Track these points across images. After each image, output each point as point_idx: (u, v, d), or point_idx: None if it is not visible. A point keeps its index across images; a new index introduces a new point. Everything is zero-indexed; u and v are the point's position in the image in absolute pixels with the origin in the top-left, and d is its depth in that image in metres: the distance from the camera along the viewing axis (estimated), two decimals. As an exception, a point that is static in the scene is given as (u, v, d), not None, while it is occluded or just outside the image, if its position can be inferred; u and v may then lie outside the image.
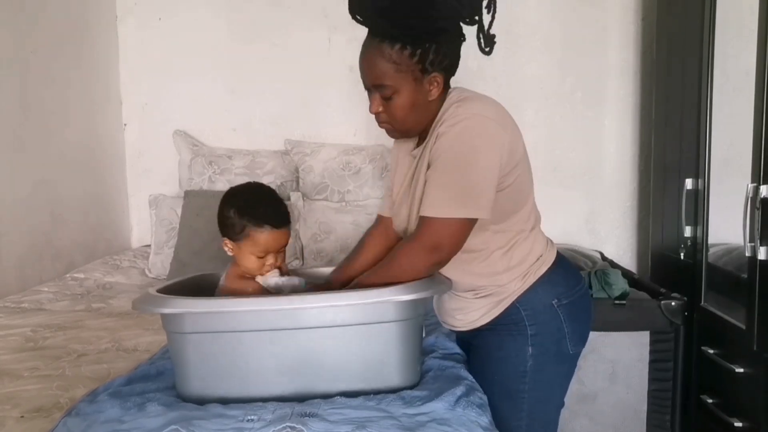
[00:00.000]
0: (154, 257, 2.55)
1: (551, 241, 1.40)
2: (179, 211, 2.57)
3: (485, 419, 1.13)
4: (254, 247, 1.29)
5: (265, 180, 2.61)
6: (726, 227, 1.97)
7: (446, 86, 1.27)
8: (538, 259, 1.32)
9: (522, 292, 1.30)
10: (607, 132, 2.78)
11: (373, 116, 1.27)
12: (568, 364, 1.37)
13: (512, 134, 1.21)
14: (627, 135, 2.78)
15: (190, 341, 1.14)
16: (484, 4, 1.26)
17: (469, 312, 1.34)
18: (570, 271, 1.39)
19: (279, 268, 1.33)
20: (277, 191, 2.64)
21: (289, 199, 2.57)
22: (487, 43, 1.29)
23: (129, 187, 2.93)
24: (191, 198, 2.56)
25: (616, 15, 2.72)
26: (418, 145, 1.32)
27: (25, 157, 2.27)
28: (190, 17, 2.82)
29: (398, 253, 1.21)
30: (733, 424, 1.77)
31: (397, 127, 1.27)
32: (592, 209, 2.81)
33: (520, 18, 2.72)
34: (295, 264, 2.46)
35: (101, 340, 1.67)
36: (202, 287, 1.37)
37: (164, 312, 1.13)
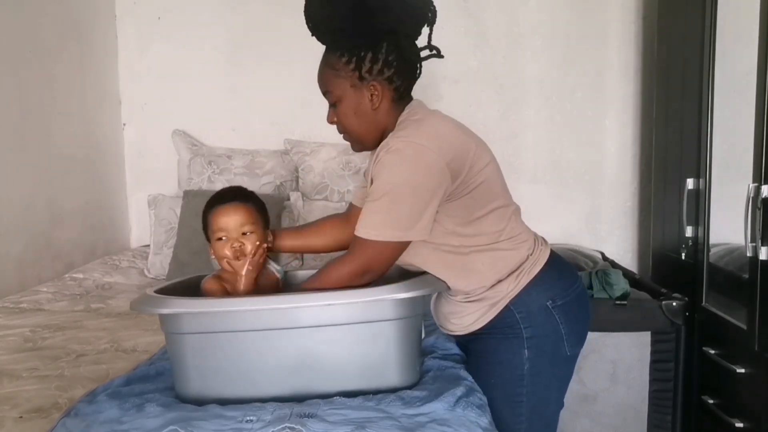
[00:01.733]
0: (153, 257, 2.55)
1: (544, 240, 1.39)
2: (178, 211, 2.56)
3: (485, 420, 1.12)
4: (216, 232, 1.31)
5: (265, 180, 2.61)
6: (727, 227, 1.96)
7: (397, 98, 1.28)
8: (527, 258, 1.31)
9: (516, 294, 1.29)
10: (608, 132, 2.78)
11: None
12: (567, 365, 1.37)
13: (454, 150, 1.21)
14: (628, 135, 2.77)
15: (188, 342, 1.14)
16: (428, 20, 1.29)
17: (464, 316, 1.34)
18: (565, 271, 1.38)
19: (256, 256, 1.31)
20: (277, 191, 2.66)
21: (288, 199, 2.57)
22: (429, 50, 1.32)
23: (128, 187, 2.93)
24: (190, 198, 2.55)
25: (616, 14, 2.72)
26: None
27: (25, 157, 2.26)
28: (189, 17, 2.81)
29: (330, 270, 1.22)
30: (734, 425, 1.77)
31: (349, 137, 1.32)
32: (592, 209, 2.81)
33: (520, 18, 2.72)
34: (294, 264, 2.45)
35: (100, 340, 1.67)
36: (200, 288, 1.37)
37: (162, 312, 1.13)
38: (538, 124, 2.78)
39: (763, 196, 1.61)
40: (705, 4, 1.99)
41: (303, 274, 1.49)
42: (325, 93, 1.30)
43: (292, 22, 2.74)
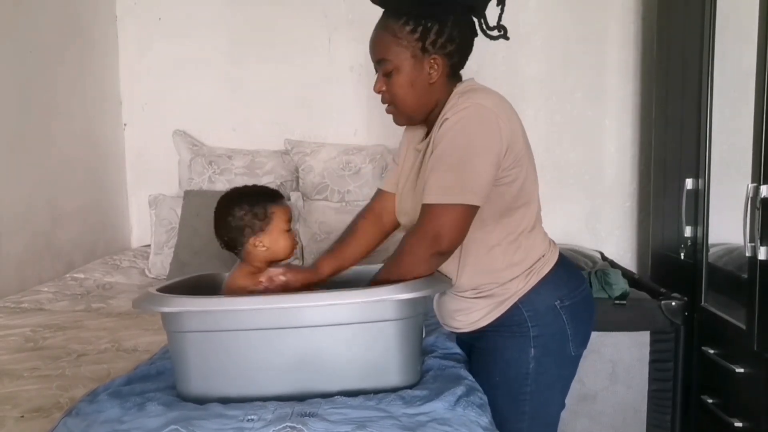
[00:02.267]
0: (154, 257, 2.55)
1: (553, 241, 1.39)
2: (179, 211, 2.56)
3: (485, 419, 1.12)
4: (283, 222, 1.31)
5: (265, 180, 2.61)
6: (726, 227, 1.96)
7: (452, 74, 1.27)
8: (540, 258, 1.31)
9: (525, 292, 1.28)
10: (608, 132, 2.78)
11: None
12: (571, 365, 1.37)
13: (512, 127, 1.21)
14: (627, 135, 2.78)
15: (190, 340, 1.14)
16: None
17: (471, 312, 1.33)
18: (573, 272, 1.38)
19: None
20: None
21: (289, 199, 2.57)
22: (498, 31, 1.30)
23: (129, 187, 2.93)
24: (191, 198, 2.56)
25: (616, 14, 2.72)
26: (423, 139, 1.33)
27: (25, 157, 2.27)
28: (190, 17, 2.82)
29: (403, 247, 1.22)
30: (733, 425, 1.77)
31: (399, 108, 1.28)
32: (592, 209, 2.81)
33: (520, 18, 2.72)
34: (295, 264, 2.45)
35: (101, 340, 1.67)
36: (203, 287, 1.37)
37: (164, 311, 1.13)
38: (538, 124, 2.78)
39: (762, 196, 1.61)
40: (705, 4, 1.99)
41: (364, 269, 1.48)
42: (380, 61, 1.25)
43: (293, 22, 2.77)
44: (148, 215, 2.70)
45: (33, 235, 2.30)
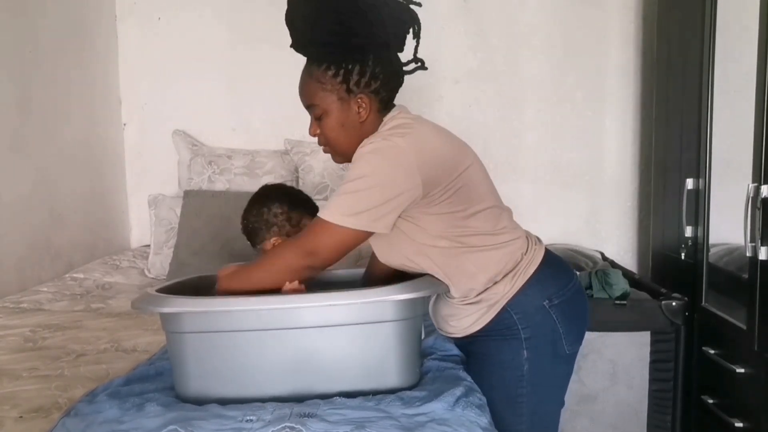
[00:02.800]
0: (154, 257, 2.55)
1: (538, 239, 1.39)
2: (178, 211, 2.56)
3: (485, 420, 1.12)
4: None
5: (265, 180, 2.60)
6: (727, 227, 1.96)
7: (382, 108, 1.28)
8: (522, 258, 1.30)
9: (512, 295, 1.29)
10: (608, 132, 2.78)
11: None
12: (566, 364, 1.37)
13: (433, 159, 1.20)
14: (627, 135, 2.77)
15: (188, 341, 1.14)
16: (411, 32, 1.30)
17: (462, 318, 1.33)
18: (561, 270, 1.37)
19: None
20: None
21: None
22: (415, 63, 1.33)
23: (128, 187, 2.92)
24: (191, 198, 2.56)
25: (616, 14, 2.72)
26: None
27: (25, 157, 2.26)
28: (190, 17, 2.81)
29: (278, 248, 1.25)
30: (733, 425, 1.77)
31: (332, 149, 1.31)
32: (592, 209, 2.81)
33: (520, 18, 2.72)
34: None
35: (100, 340, 1.67)
36: (202, 288, 1.37)
37: (163, 311, 1.13)
38: (538, 124, 2.78)
39: (763, 196, 1.61)
40: (705, 4, 1.99)
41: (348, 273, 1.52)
42: (309, 107, 1.29)
43: (292, 22, 2.77)
44: (148, 215, 2.70)
45: (32, 235, 2.30)
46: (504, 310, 1.29)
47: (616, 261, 2.60)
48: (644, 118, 2.73)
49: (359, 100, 1.25)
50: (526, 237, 1.35)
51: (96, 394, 1.18)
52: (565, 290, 1.33)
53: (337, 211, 1.16)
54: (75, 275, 2.38)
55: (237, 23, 2.81)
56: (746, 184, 1.66)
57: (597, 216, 2.81)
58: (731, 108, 1.95)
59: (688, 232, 2.11)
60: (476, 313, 1.31)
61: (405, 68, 1.32)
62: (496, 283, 1.28)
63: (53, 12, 2.42)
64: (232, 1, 2.80)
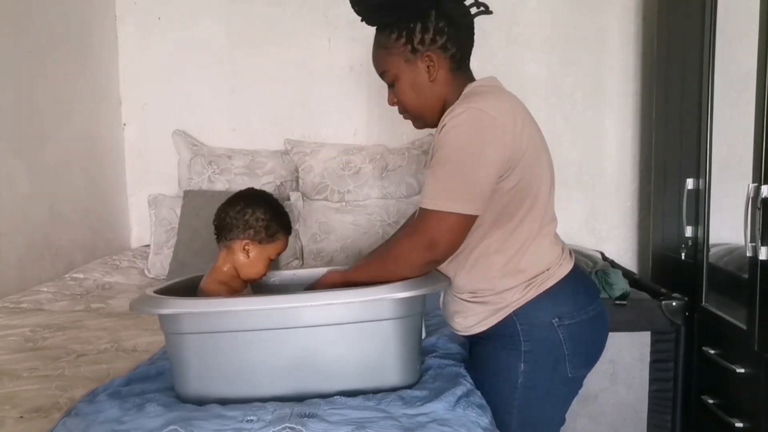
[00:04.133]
0: (154, 257, 2.55)
1: (571, 253, 1.33)
2: (178, 211, 2.56)
3: (485, 420, 1.12)
4: (275, 252, 1.35)
5: (265, 180, 2.61)
6: (727, 227, 1.96)
7: (456, 68, 1.26)
8: (545, 271, 1.25)
9: (521, 304, 1.24)
10: (608, 132, 2.78)
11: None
12: (567, 386, 1.31)
13: (516, 132, 1.16)
14: (627, 135, 2.78)
15: (187, 342, 1.14)
16: None
17: (468, 317, 1.31)
18: (583, 290, 1.31)
19: None
20: (277, 191, 2.67)
21: (288, 199, 2.57)
22: (477, 8, 1.30)
23: (128, 187, 2.93)
24: (191, 198, 2.56)
25: (616, 15, 2.72)
26: None
27: (25, 156, 2.26)
28: (189, 17, 2.81)
29: (395, 248, 1.20)
30: (733, 425, 1.77)
31: (411, 114, 1.29)
32: (592, 209, 2.81)
33: (520, 18, 2.72)
34: (294, 264, 2.45)
35: (100, 340, 1.67)
36: (200, 290, 1.37)
37: (161, 313, 1.13)
38: (538, 124, 2.77)
39: (763, 196, 1.61)
40: (705, 4, 1.99)
41: (307, 273, 1.50)
42: (382, 74, 1.27)
43: (293, 22, 2.77)
44: (148, 215, 2.70)
45: (32, 235, 2.30)
46: (509, 317, 1.25)
47: (616, 261, 2.60)
48: (644, 118, 2.73)
49: (427, 59, 1.22)
50: (560, 253, 1.30)
51: (96, 394, 1.18)
52: (582, 312, 1.27)
53: (442, 197, 1.12)
54: (75, 275, 2.38)
55: (237, 23, 2.81)
56: (746, 184, 1.66)
57: (597, 216, 2.81)
58: (731, 108, 1.95)
59: (688, 232, 2.11)
60: (482, 313, 1.28)
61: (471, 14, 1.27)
62: (508, 289, 1.25)
63: (53, 12, 2.42)
64: (233, 1, 2.80)
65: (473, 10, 1.28)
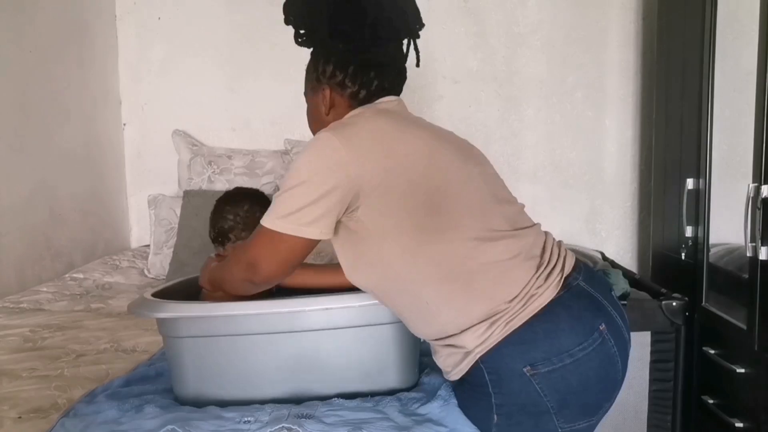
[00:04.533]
0: (154, 257, 2.55)
1: (562, 271, 1.10)
2: (178, 211, 2.56)
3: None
4: None
5: (265, 180, 2.61)
6: (727, 227, 1.96)
7: (356, 105, 1.18)
8: (506, 305, 1.05)
9: (484, 351, 1.05)
10: (608, 132, 2.78)
11: None
12: None
13: (377, 156, 1.05)
14: (627, 135, 2.77)
15: (186, 345, 1.14)
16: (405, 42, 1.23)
17: (440, 359, 1.15)
18: (568, 326, 1.06)
19: None
20: (277, 191, 2.65)
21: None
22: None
23: (128, 187, 2.93)
24: (190, 198, 2.56)
25: (616, 14, 2.72)
26: None
27: (25, 157, 2.26)
28: (189, 17, 2.81)
29: (227, 262, 1.20)
30: (734, 425, 1.77)
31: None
32: (592, 209, 2.81)
33: (520, 18, 2.72)
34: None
35: (100, 340, 1.67)
36: (199, 289, 1.37)
37: (159, 317, 1.13)
38: (538, 124, 2.77)
39: (763, 196, 1.61)
40: (705, 4, 1.99)
41: None
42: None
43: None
44: (148, 215, 2.70)
45: (32, 235, 2.30)
46: (476, 364, 1.06)
47: (616, 261, 2.60)
48: (644, 118, 2.72)
49: (322, 92, 1.20)
50: (528, 281, 1.07)
51: (95, 395, 1.18)
52: (564, 356, 1.04)
53: (271, 215, 1.06)
54: (75, 275, 2.38)
55: (237, 23, 2.81)
56: (746, 184, 1.66)
57: (597, 216, 2.81)
58: (731, 108, 1.95)
59: (688, 232, 2.10)
60: (451, 357, 1.11)
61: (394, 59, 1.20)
62: (462, 331, 1.06)
63: (53, 12, 2.42)
64: (233, 1, 2.79)
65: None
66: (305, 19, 1.21)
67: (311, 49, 1.24)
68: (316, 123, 1.23)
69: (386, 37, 1.18)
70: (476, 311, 1.06)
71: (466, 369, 1.08)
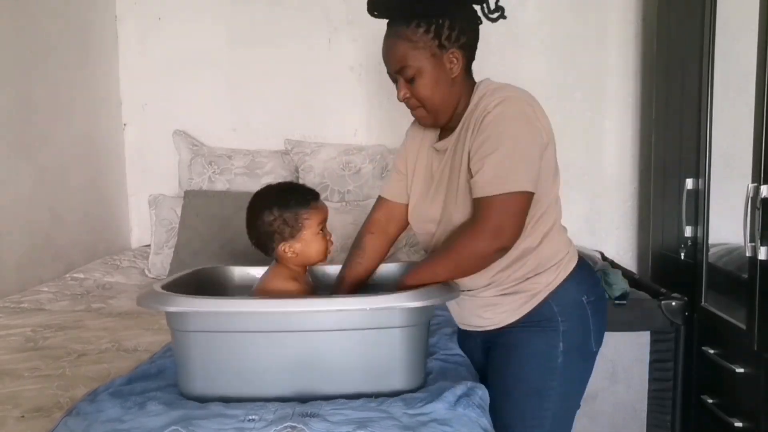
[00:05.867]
0: (154, 257, 2.55)
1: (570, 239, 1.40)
2: (179, 211, 2.56)
3: (485, 420, 1.12)
4: (316, 225, 1.30)
5: (265, 180, 2.61)
6: (726, 227, 1.97)
7: (468, 68, 1.28)
8: (567, 254, 1.33)
9: (554, 287, 1.29)
10: (608, 132, 2.78)
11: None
12: (591, 361, 1.37)
13: (542, 120, 1.24)
14: (627, 135, 2.78)
15: (194, 339, 1.14)
16: None
17: (500, 312, 1.31)
18: (591, 270, 1.41)
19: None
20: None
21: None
22: (498, 12, 1.29)
23: (129, 187, 2.93)
24: (191, 198, 2.56)
25: (616, 15, 2.72)
26: (441, 138, 1.33)
27: (25, 157, 2.27)
28: (190, 17, 2.81)
29: (458, 242, 1.19)
30: (733, 425, 1.77)
31: (427, 109, 1.27)
32: (592, 209, 2.81)
33: (519, 18, 2.72)
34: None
35: (101, 339, 1.67)
36: (205, 282, 1.38)
37: (170, 310, 1.12)
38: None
39: (762, 196, 1.61)
40: (705, 4, 1.99)
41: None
42: (401, 69, 1.24)
43: (293, 23, 2.77)
44: (148, 215, 2.70)
45: (33, 235, 2.30)
46: (545, 301, 1.29)
47: (615, 261, 2.60)
48: (644, 118, 2.73)
49: (451, 56, 1.23)
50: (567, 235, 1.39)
51: (97, 394, 1.18)
52: (597, 288, 1.38)
53: (504, 181, 1.14)
54: (75, 275, 2.38)
55: (237, 23, 2.81)
56: (746, 184, 1.66)
57: (596, 216, 2.81)
58: (731, 108, 1.95)
59: (688, 232, 2.11)
60: (516, 302, 1.30)
61: (491, 17, 1.28)
62: (538, 274, 1.29)
63: (53, 12, 2.43)
64: (233, 2, 2.80)
65: (495, 15, 1.29)
66: None
67: (416, 20, 1.21)
68: (441, 90, 1.25)
69: None
70: (554, 258, 1.30)
71: (529, 309, 1.29)
